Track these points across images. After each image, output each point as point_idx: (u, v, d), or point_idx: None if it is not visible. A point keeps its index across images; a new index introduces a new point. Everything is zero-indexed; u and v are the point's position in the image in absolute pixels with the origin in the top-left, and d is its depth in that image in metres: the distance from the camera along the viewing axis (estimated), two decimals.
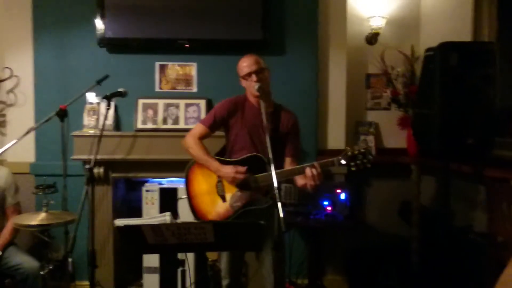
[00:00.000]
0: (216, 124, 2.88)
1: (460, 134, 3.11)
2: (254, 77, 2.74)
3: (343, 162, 2.59)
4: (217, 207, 2.79)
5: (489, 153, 3.20)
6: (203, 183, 2.85)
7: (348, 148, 2.61)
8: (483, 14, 3.73)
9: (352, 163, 2.58)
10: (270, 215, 2.42)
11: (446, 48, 3.12)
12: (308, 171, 2.57)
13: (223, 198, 2.79)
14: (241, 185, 2.74)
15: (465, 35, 3.73)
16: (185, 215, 3.59)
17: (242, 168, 2.71)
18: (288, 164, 2.81)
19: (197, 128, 2.90)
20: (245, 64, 2.79)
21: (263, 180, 2.69)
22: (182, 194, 3.69)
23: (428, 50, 3.27)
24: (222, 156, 2.91)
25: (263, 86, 2.71)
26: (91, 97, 3.73)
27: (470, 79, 3.10)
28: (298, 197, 3.65)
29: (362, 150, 2.58)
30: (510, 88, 3.54)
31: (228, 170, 2.73)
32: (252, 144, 2.81)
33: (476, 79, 3.10)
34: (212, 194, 2.82)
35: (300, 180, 2.72)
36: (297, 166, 2.67)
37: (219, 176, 2.79)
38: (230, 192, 2.77)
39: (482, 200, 3.52)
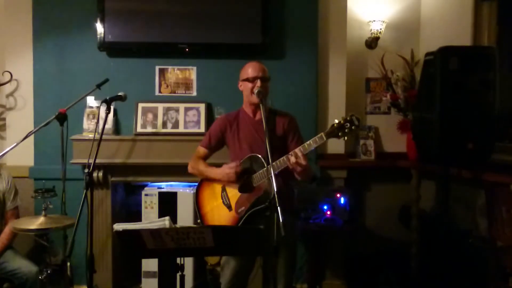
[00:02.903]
0: (213, 142, 2.91)
1: (460, 138, 3.12)
2: (258, 82, 2.73)
3: (330, 135, 2.48)
4: (225, 218, 2.78)
5: (488, 158, 3.19)
6: (210, 199, 2.86)
7: (336, 121, 2.48)
8: (483, 19, 3.74)
9: (340, 133, 2.46)
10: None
11: (446, 53, 3.13)
12: (292, 159, 2.52)
13: (229, 207, 2.78)
14: (242, 189, 2.74)
15: (465, 40, 3.74)
16: (184, 219, 3.60)
17: (233, 164, 2.74)
18: None
19: (197, 150, 2.97)
20: (253, 68, 2.77)
21: (259, 178, 2.67)
22: (181, 198, 3.70)
23: (428, 54, 3.28)
24: None
25: (263, 93, 2.70)
26: (91, 101, 3.74)
27: (470, 84, 3.11)
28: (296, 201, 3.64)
29: (348, 118, 2.45)
30: (510, 93, 3.55)
31: (222, 170, 2.77)
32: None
33: (475, 84, 3.12)
34: (219, 207, 2.82)
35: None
36: (283, 157, 2.58)
37: (221, 183, 2.81)
38: (234, 199, 2.76)
39: (482, 204, 3.52)
